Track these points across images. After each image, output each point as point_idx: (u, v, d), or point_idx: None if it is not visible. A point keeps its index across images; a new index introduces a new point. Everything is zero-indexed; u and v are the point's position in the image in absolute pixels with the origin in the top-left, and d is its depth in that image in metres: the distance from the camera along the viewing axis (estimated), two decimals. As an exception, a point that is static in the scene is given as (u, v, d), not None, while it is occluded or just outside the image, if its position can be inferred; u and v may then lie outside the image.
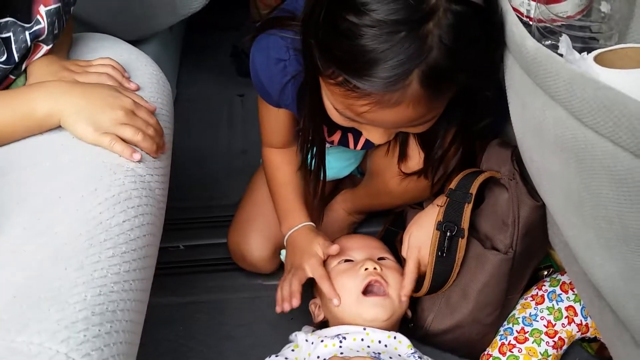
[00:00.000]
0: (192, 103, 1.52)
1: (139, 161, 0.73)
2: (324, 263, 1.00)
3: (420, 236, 0.99)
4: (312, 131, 0.93)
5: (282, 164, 1.07)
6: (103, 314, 0.59)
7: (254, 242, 1.13)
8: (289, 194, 1.06)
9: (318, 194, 1.02)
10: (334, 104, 0.78)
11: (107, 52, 0.88)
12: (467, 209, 0.94)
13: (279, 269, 1.16)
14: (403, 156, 0.99)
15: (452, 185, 0.96)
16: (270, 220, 1.11)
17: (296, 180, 1.06)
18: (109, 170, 0.72)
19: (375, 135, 0.81)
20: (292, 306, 0.98)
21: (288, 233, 1.06)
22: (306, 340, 0.95)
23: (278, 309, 1.00)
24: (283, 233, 1.07)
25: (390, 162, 1.01)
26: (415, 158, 0.98)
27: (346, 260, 1.01)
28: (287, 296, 0.98)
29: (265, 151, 1.09)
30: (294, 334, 0.99)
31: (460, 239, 0.95)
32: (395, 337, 0.94)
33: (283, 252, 1.14)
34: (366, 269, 0.97)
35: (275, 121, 1.01)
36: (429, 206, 1.00)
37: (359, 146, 1.02)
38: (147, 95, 0.83)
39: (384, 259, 1.02)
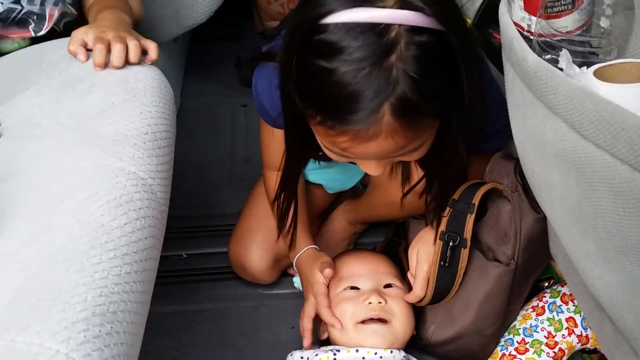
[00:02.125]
0: (196, 112, 1.53)
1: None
2: (328, 286, 1.02)
3: (428, 252, 0.98)
4: (295, 161, 0.94)
5: None
6: (104, 315, 0.59)
7: (254, 254, 1.13)
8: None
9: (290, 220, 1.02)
10: (322, 142, 0.80)
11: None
12: (470, 220, 0.95)
13: (280, 280, 1.17)
14: (406, 178, 1.00)
15: (455, 196, 0.96)
16: (271, 232, 1.12)
17: (297, 204, 1.06)
18: (110, 174, 0.72)
19: (370, 168, 0.83)
20: (305, 346, 1.00)
21: (294, 259, 1.07)
22: (301, 357, 0.97)
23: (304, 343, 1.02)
24: (291, 260, 1.09)
25: (393, 175, 1.02)
26: (416, 179, 0.98)
27: (352, 287, 1.01)
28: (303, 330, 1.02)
29: (266, 175, 1.10)
30: (290, 354, 1.00)
31: (462, 249, 0.95)
32: (391, 352, 0.95)
33: (295, 279, 1.15)
34: (370, 303, 0.97)
35: (277, 143, 1.01)
36: (435, 221, 0.99)
37: None
38: (149, 101, 0.83)
39: (391, 286, 1.02)
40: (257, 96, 0.95)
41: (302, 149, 0.90)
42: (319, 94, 0.73)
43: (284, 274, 1.18)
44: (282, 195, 1.00)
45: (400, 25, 0.69)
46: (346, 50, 0.69)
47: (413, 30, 0.69)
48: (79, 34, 0.90)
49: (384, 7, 0.69)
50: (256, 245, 1.13)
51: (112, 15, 0.95)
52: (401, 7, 0.69)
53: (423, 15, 0.70)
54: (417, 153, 0.80)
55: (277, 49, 0.91)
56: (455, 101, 0.76)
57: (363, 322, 0.97)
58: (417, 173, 0.97)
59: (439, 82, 0.73)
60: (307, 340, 1.00)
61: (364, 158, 0.81)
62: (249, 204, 1.19)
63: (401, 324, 0.98)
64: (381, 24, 0.69)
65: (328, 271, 1.01)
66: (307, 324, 1.01)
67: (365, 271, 1.03)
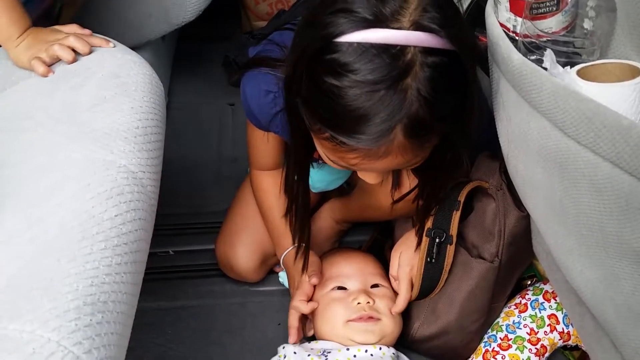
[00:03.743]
0: (183, 111, 1.53)
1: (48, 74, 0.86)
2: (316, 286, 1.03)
3: (411, 255, 1.00)
4: (298, 164, 0.94)
5: (271, 187, 1.07)
6: (94, 304, 0.60)
7: (241, 253, 1.14)
8: (278, 217, 1.07)
9: (299, 214, 1.01)
10: (326, 154, 0.79)
11: (101, 50, 0.89)
12: (455, 216, 0.96)
13: (266, 277, 1.18)
14: (396, 184, 1.00)
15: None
16: (258, 231, 1.13)
17: (284, 202, 1.05)
18: (101, 167, 0.73)
19: (369, 177, 0.83)
20: (291, 342, 1.01)
21: (282, 257, 1.08)
22: (294, 353, 0.97)
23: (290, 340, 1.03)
24: (278, 257, 1.09)
25: (383, 181, 1.02)
26: (407, 185, 0.99)
27: (339, 287, 1.02)
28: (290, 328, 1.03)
29: (253, 174, 1.10)
30: (281, 346, 1.00)
31: (448, 245, 0.97)
32: (380, 348, 0.96)
33: (281, 274, 1.15)
34: (358, 303, 0.98)
35: (265, 145, 1.02)
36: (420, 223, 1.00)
37: None
38: (140, 96, 0.83)
39: (378, 287, 1.03)
40: (246, 101, 0.94)
41: (306, 156, 0.90)
42: (331, 112, 0.72)
43: (270, 271, 1.19)
44: (294, 207, 0.99)
45: (415, 46, 0.69)
46: (360, 71, 0.68)
47: (426, 51, 0.69)
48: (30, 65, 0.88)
49: (399, 28, 0.68)
50: (243, 245, 1.14)
51: None
52: (417, 29, 0.69)
53: (437, 37, 0.69)
54: (415, 165, 0.81)
55: (266, 53, 0.91)
56: (462, 118, 0.76)
57: (352, 320, 0.98)
58: (407, 179, 0.98)
59: (450, 101, 0.73)
60: (292, 337, 1.01)
61: (369, 171, 0.82)
62: (236, 203, 1.19)
63: (390, 320, 0.99)
64: (397, 45, 0.68)
65: (314, 280, 1.02)
66: (292, 321, 1.02)
67: (353, 272, 1.04)
